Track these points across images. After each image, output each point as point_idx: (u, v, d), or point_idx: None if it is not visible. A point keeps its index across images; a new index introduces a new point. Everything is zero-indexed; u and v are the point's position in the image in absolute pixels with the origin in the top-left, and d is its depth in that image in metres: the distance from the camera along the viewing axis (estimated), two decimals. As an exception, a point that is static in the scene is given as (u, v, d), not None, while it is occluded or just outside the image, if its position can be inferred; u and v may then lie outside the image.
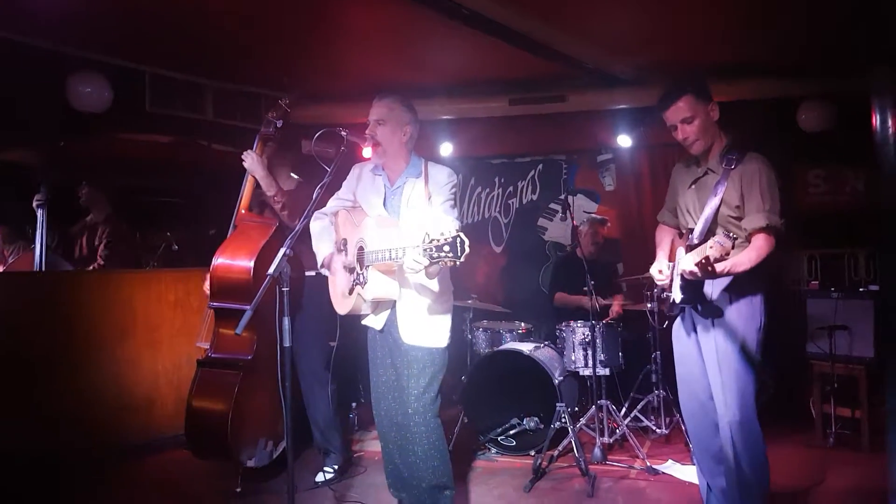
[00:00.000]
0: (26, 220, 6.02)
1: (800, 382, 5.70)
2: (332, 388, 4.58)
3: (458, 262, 2.82)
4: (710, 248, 2.87)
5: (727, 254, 2.86)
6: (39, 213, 5.60)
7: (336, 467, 4.65)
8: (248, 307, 3.00)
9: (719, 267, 2.99)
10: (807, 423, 5.43)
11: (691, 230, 3.36)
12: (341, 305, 3.60)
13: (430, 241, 2.81)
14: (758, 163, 3.22)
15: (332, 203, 3.77)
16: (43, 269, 5.61)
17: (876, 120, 3.06)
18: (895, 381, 2.88)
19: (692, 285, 3.24)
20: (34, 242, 5.69)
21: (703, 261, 2.89)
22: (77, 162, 6.36)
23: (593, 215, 6.80)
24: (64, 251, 6.15)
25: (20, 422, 4.73)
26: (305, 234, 3.70)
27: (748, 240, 3.20)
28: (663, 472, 4.68)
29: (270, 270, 3.04)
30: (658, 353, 5.51)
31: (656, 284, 3.53)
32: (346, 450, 4.80)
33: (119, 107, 5.29)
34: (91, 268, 5.93)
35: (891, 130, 3.02)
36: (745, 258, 3.07)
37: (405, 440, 3.50)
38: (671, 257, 3.51)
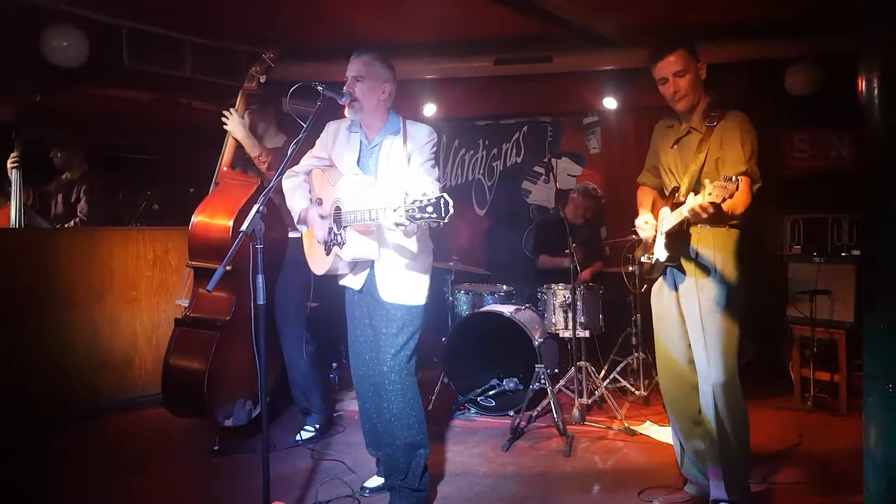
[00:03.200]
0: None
1: (779, 346, 5.74)
2: (312, 349, 4.57)
3: (441, 224, 2.76)
4: (710, 193, 2.80)
5: (731, 195, 2.80)
6: (14, 173, 5.49)
7: (316, 427, 4.66)
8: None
9: (725, 206, 2.92)
10: (786, 386, 5.49)
11: (675, 189, 3.32)
12: (318, 265, 3.55)
13: (413, 202, 2.72)
14: (738, 119, 3.20)
15: (306, 161, 3.67)
16: (21, 226, 5.52)
17: (862, 81, 2.99)
18: (873, 346, 2.86)
19: (677, 243, 3.21)
20: (9, 201, 5.58)
21: (703, 205, 2.83)
22: (53, 118, 6.25)
23: (589, 186, 6.72)
24: (40, 209, 6.04)
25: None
26: None
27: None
28: (641, 434, 4.72)
29: (243, 227, 2.97)
30: (638, 315, 5.54)
31: (640, 239, 3.49)
32: (326, 409, 4.79)
33: (96, 62, 5.18)
34: (71, 223, 5.85)
35: (875, 91, 2.96)
36: (738, 200, 3.01)
37: (381, 399, 3.49)
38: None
